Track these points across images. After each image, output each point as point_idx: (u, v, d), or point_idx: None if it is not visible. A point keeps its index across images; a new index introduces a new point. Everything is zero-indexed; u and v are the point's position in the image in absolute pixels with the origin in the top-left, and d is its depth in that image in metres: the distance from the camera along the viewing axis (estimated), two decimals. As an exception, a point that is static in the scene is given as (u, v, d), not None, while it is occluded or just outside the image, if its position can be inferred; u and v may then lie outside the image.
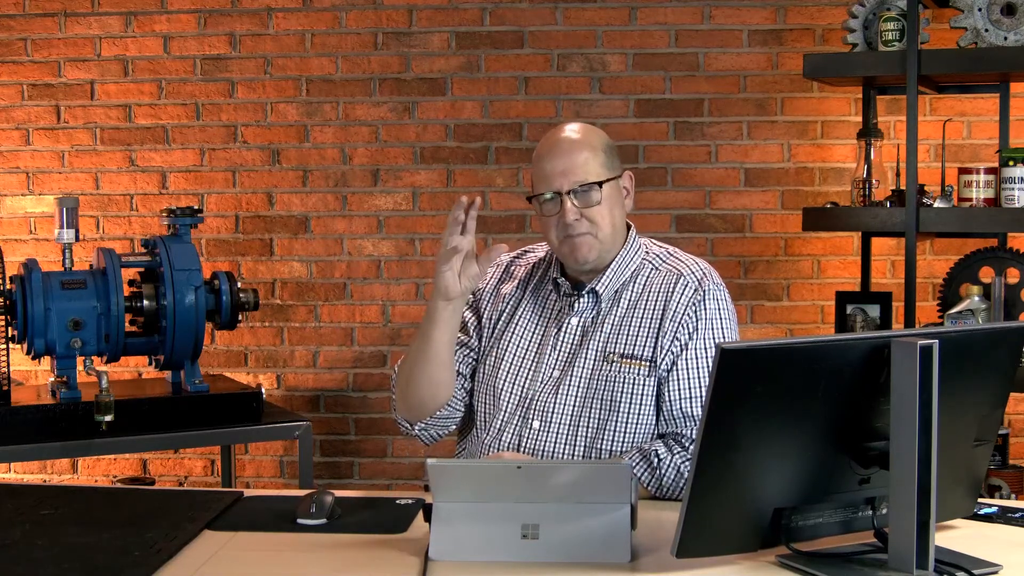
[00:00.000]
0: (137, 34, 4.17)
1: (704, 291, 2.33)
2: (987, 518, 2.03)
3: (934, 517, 1.71)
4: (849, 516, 1.83)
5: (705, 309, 2.32)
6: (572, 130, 2.37)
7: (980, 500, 2.04)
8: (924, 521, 1.70)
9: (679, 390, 2.28)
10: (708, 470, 1.68)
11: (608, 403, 2.29)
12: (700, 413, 2.22)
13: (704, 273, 2.36)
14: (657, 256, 2.41)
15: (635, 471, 2.17)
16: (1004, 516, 2.04)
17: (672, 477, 2.19)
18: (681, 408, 2.27)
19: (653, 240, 2.48)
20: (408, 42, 4.12)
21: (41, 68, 4.18)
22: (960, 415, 1.82)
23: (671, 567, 1.74)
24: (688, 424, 2.27)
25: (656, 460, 2.20)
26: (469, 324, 2.47)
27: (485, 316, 2.47)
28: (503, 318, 2.45)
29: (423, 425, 2.41)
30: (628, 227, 2.43)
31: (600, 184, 2.31)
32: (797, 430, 1.74)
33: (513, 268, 2.53)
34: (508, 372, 2.39)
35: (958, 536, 1.92)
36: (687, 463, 2.18)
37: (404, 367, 2.39)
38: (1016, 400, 3.90)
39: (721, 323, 2.33)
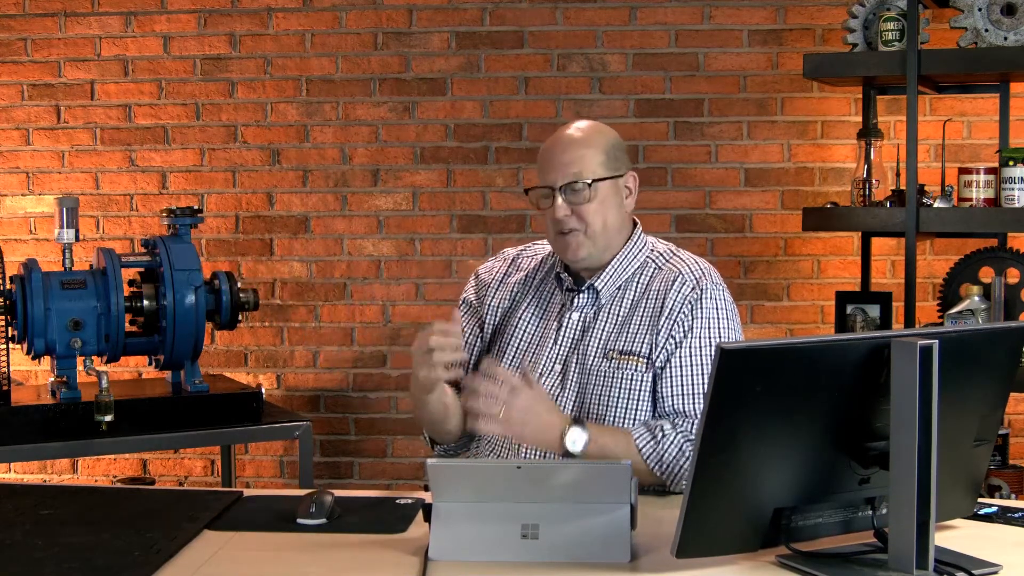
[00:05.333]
0: (137, 34, 4.16)
1: (701, 290, 2.33)
2: (987, 518, 2.03)
3: (934, 517, 1.71)
4: (849, 516, 1.83)
5: (702, 307, 2.31)
6: (577, 128, 2.39)
7: (980, 500, 2.04)
8: (924, 521, 1.70)
9: (672, 387, 2.29)
10: (708, 470, 1.68)
11: (607, 398, 2.30)
12: (693, 410, 2.25)
13: (703, 272, 2.36)
14: (661, 255, 2.42)
15: (638, 442, 2.20)
16: (1004, 516, 2.04)
17: (674, 454, 2.20)
18: (674, 405, 2.28)
19: (660, 240, 2.48)
20: (408, 42, 4.12)
21: (41, 68, 4.18)
22: (960, 415, 1.82)
23: (671, 567, 1.74)
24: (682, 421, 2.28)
25: (661, 435, 2.21)
26: (470, 338, 2.49)
27: (492, 306, 2.49)
28: (505, 310, 2.48)
29: (442, 449, 2.49)
30: (635, 224, 2.44)
31: (591, 184, 2.31)
32: (797, 430, 1.74)
33: (520, 260, 2.56)
34: (509, 366, 2.40)
35: (958, 536, 1.92)
36: (690, 443, 2.19)
37: (420, 421, 2.46)
38: (1016, 400, 3.89)
39: (718, 322, 2.32)
